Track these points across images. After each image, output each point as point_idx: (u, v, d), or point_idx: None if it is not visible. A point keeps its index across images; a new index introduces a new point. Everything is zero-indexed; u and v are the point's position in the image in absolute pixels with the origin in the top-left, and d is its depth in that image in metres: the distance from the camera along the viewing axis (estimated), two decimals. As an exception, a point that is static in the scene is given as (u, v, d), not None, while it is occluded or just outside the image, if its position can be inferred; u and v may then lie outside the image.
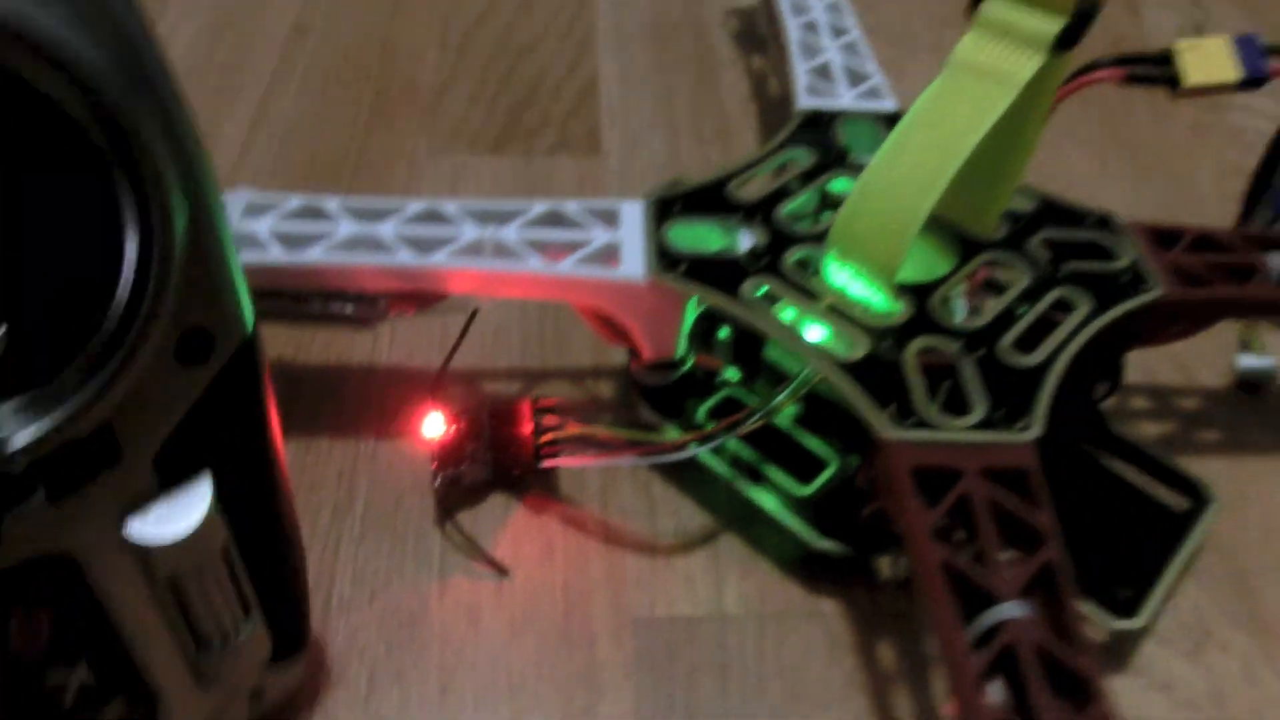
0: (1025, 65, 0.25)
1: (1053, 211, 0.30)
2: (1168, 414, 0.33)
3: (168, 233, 0.15)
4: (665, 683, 0.25)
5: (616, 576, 0.28)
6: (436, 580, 0.27)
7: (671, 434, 0.29)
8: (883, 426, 0.23)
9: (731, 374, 0.29)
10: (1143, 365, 0.33)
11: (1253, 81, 0.31)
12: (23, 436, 0.15)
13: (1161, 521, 0.27)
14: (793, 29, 0.37)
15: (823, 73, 0.35)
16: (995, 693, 0.20)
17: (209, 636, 0.19)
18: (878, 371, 0.25)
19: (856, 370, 0.25)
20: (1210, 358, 0.34)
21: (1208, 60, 0.31)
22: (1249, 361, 0.34)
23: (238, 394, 0.18)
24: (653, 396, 0.30)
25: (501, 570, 0.28)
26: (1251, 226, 0.34)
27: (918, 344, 0.25)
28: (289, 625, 0.22)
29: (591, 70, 0.46)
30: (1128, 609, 0.25)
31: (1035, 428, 0.24)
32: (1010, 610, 0.20)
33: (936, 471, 0.23)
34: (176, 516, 0.17)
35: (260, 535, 0.20)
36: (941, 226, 0.29)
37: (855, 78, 0.35)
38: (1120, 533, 0.27)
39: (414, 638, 0.26)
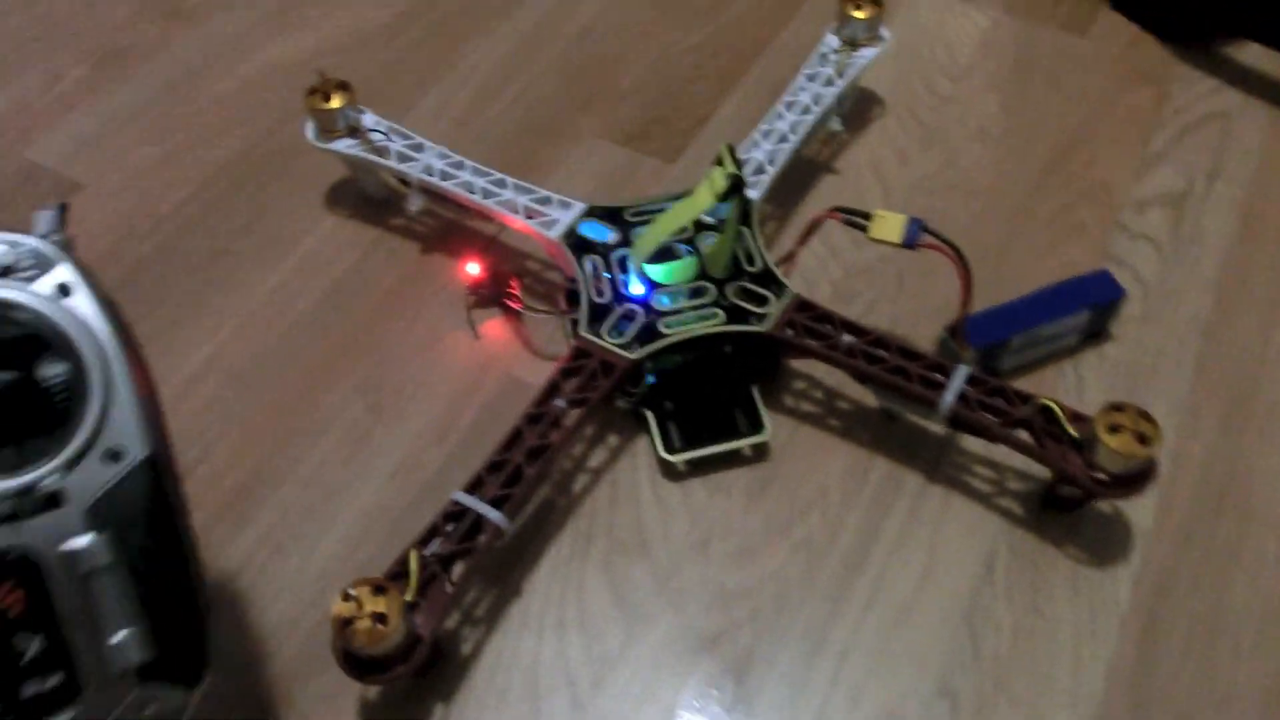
0: (709, 200, 0.54)
1: (758, 277, 0.58)
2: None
3: (104, 408, 0.33)
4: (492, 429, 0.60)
5: (518, 359, 0.62)
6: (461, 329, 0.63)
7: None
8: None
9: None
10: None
11: (907, 245, 0.55)
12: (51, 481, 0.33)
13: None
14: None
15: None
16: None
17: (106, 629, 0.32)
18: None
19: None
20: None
21: (887, 225, 0.56)
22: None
23: (141, 483, 0.34)
24: (569, 295, 0.63)
25: (476, 334, 0.63)
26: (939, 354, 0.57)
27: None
28: (186, 653, 0.35)
29: (714, 108, 0.76)
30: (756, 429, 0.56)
31: (639, 354, 0.55)
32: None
33: (582, 354, 0.55)
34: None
35: (166, 578, 0.34)
36: (702, 267, 0.58)
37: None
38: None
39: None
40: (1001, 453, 0.57)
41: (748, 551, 0.55)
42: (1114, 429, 0.50)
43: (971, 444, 0.58)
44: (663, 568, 0.55)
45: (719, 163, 0.54)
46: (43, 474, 0.33)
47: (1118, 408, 0.50)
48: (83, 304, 0.34)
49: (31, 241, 0.35)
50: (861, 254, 0.66)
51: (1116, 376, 0.61)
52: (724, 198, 0.53)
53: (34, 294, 0.34)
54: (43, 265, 0.35)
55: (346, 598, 0.42)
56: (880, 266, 0.66)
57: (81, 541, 0.33)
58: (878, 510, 0.56)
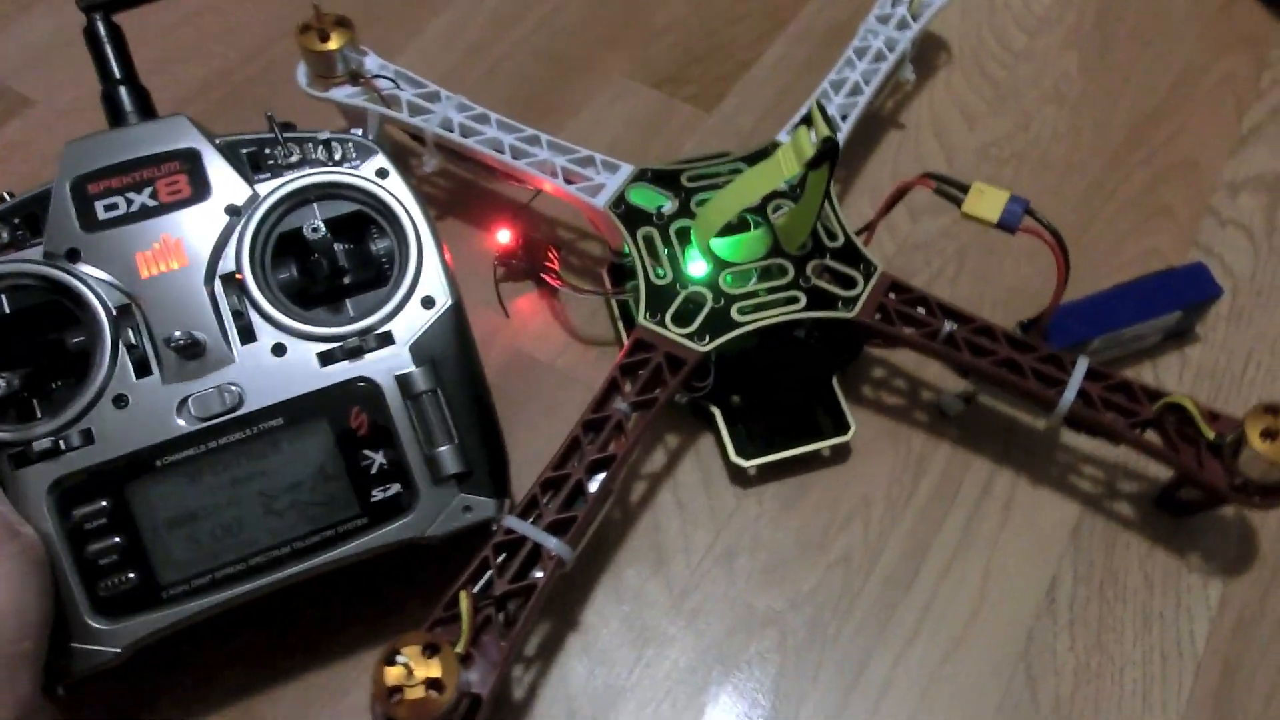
0: (794, 168, 0.46)
1: (841, 254, 0.50)
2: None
3: (419, 265, 0.41)
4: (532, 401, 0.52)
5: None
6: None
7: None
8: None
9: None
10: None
11: (1004, 226, 0.47)
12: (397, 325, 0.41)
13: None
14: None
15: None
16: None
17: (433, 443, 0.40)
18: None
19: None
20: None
21: (985, 201, 0.48)
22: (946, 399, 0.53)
23: (449, 325, 0.42)
24: (614, 271, 0.55)
25: (506, 313, 0.55)
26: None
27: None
28: (492, 468, 0.41)
29: (759, 51, 0.67)
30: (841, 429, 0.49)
31: (709, 345, 0.47)
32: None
33: (644, 346, 0.47)
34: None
35: (471, 404, 0.41)
36: (774, 241, 0.51)
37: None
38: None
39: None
40: (1067, 462, 0.52)
41: (778, 568, 0.49)
42: (1269, 435, 0.44)
43: (1036, 451, 0.52)
44: (680, 583, 0.48)
45: (807, 122, 0.46)
46: (378, 319, 0.41)
47: (1273, 410, 0.44)
48: (396, 184, 0.43)
49: (355, 136, 0.43)
50: (919, 227, 0.60)
51: (1199, 381, 0.56)
52: (813, 165, 0.45)
53: (362, 176, 0.42)
54: (364, 154, 0.43)
55: (392, 661, 0.34)
56: (940, 242, 0.59)
57: (409, 369, 0.40)
58: (928, 525, 0.50)
